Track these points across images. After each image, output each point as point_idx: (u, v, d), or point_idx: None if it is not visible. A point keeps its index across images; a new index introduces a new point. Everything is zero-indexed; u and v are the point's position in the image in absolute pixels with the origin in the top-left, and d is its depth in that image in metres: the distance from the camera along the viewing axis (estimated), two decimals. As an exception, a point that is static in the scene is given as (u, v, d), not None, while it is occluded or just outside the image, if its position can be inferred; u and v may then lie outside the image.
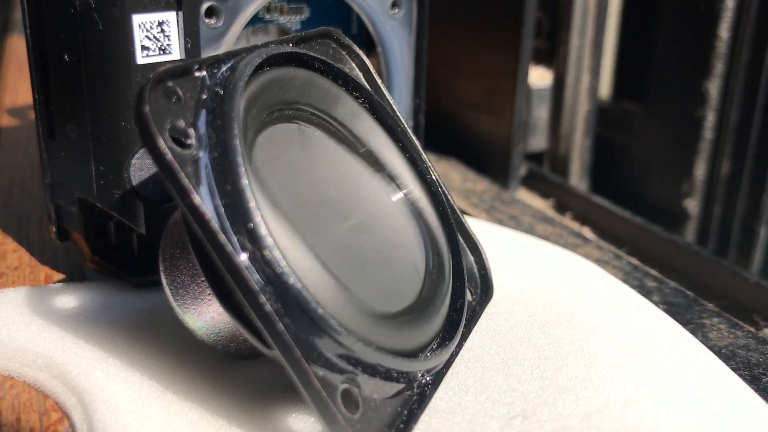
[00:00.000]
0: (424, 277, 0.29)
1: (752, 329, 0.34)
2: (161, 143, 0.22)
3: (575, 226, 0.49)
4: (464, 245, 0.33)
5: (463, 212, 0.36)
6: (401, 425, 0.25)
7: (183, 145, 0.23)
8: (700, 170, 0.55)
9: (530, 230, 0.45)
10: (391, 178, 0.31)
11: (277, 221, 0.24)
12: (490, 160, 0.55)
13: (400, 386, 0.25)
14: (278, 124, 0.27)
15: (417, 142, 0.32)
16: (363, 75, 0.33)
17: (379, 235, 0.28)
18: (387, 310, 0.26)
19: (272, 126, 0.27)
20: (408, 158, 0.32)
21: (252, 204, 0.23)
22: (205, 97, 0.25)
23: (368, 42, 0.40)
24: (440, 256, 0.30)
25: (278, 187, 0.25)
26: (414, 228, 0.30)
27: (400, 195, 0.31)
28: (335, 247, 0.26)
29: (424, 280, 0.29)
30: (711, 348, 0.31)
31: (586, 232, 0.48)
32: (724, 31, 0.52)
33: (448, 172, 0.55)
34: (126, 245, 0.36)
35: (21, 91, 0.70)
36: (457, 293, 0.30)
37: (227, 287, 0.25)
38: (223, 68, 0.26)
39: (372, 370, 0.24)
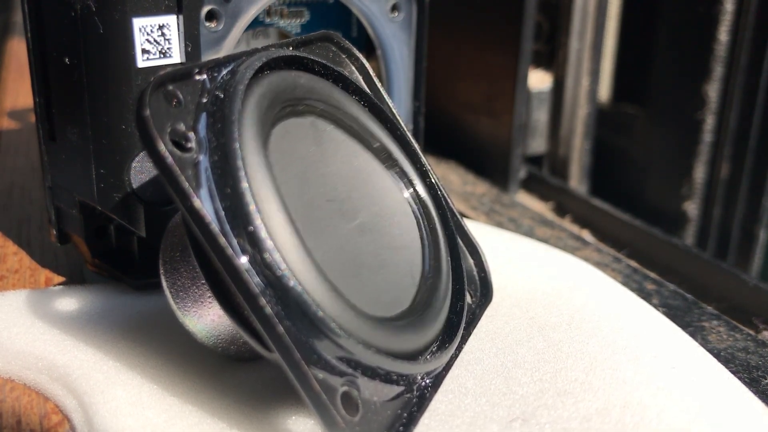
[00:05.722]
0: (420, 281, 0.29)
1: (751, 332, 0.34)
2: (161, 147, 0.22)
3: (575, 228, 0.49)
4: (464, 248, 0.33)
5: (463, 215, 0.36)
6: (401, 428, 0.25)
7: (183, 149, 0.23)
8: (699, 173, 0.55)
9: (530, 233, 0.45)
10: (401, 175, 0.31)
11: (279, 223, 0.24)
12: (489, 163, 0.55)
13: (400, 389, 0.25)
14: (291, 118, 0.27)
15: (416, 145, 0.32)
16: (363, 78, 0.33)
17: (379, 237, 0.28)
18: (381, 314, 0.26)
19: (286, 120, 0.27)
20: (407, 161, 0.32)
21: (252, 207, 0.23)
22: (205, 100, 0.25)
23: (368, 45, 0.40)
24: (438, 259, 0.30)
25: (288, 183, 0.25)
26: (415, 229, 0.30)
27: (405, 194, 0.31)
28: (334, 249, 0.26)
29: (420, 285, 0.29)
30: (710, 351, 0.31)
31: (586, 234, 0.48)
32: (723, 34, 0.52)
33: (448, 175, 0.55)
34: (126, 248, 0.36)
35: (21, 94, 0.70)
36: (456, 296, 0.30)
37: (227, 290, 0.25)
38: (224, 71, 0.26)
39: (372, 373, 0.25)
